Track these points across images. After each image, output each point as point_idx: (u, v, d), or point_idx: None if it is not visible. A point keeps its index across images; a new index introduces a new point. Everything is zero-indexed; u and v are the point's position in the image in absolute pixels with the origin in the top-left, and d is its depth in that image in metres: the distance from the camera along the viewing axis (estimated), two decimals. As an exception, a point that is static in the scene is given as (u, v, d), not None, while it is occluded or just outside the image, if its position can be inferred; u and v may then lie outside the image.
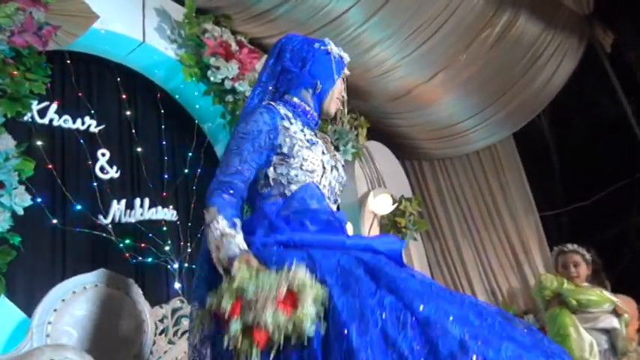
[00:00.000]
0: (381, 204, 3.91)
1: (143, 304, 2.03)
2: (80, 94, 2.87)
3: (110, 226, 2.63)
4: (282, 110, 1.59)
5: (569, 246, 2.79)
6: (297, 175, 1.52)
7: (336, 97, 1.68)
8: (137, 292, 2.04)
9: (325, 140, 1.70)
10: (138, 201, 2.91)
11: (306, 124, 1.63)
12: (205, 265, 1.48)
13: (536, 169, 5.16)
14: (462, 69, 4.19)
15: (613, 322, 2.53)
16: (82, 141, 2.82)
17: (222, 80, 3.07)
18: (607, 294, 2.66)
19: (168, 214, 3.01)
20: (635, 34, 4.79)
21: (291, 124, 1.57)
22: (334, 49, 1.67)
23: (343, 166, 1.69)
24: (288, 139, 1.54)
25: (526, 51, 4.26)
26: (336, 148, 3.97)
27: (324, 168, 1.57)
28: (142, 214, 2.90)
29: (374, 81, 4.22)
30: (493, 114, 4.68)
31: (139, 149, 3.05)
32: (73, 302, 1.83)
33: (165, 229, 2.90)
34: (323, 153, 1.60)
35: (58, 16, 2.48)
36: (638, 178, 5.17)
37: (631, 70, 4.93)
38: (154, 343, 1.99)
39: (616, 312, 2.56)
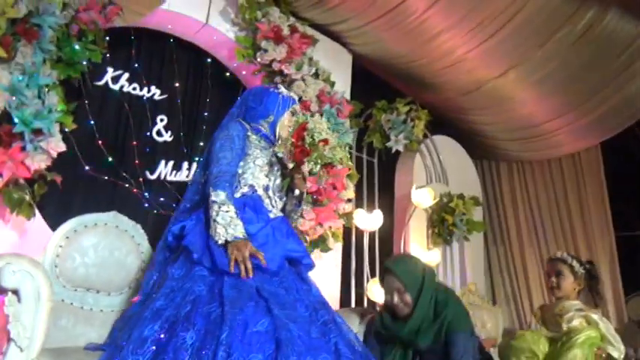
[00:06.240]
0: (421, 197, 3.86)
1: (144, 246, 2.38)
2: (149, 66, 3.30)
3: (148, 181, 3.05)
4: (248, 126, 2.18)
5: (558, 253, 2.51)
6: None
7: (286, 125, 2.17)
8: (142, 236, 2.39)
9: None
10: (185, 164, 3.30)
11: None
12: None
13: (620, 186, 4.62)
14: (538, 67, 3.93)
15: None
16: (146, 106, 3.26)
17: (270, 62, 3.31)
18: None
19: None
20: None
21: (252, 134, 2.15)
22: (284, 92, 2.22)
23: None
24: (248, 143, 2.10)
25: (618, 52, 3.84)
26: (387, 138, 4.02)
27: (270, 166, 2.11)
28: (187, 177, 3.28)
29: (440, 73, 4.15)
30: (577, 119, 4.31)
31: (200, 121, 3.42)
32: (83, 234, 2.22)
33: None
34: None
35: (127, -3, 2.90)
36: None
37: None
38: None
39: None
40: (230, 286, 1.62)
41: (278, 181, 2.11)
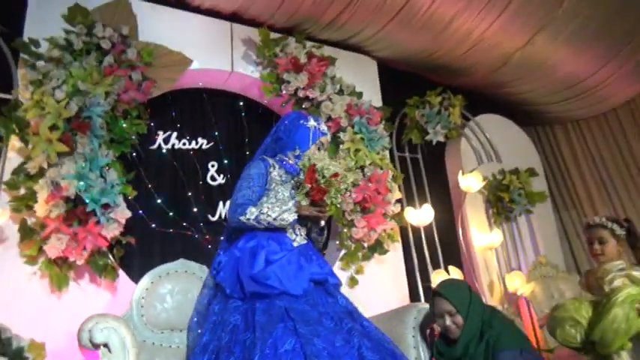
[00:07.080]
0: (469, 182, 3.89)
1: (212, 285, 2.68)
2: (191, 121, 3.66)
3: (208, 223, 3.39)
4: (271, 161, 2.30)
5: (596, 219, 2.41)
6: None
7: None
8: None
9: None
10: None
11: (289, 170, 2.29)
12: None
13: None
14: (563, 25, 3.84)
15: None
16: (196, 157, 3.62)
17: (295, 91, 3.56)
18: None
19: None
20: None
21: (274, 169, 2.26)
22: (312, 125, 2.30)
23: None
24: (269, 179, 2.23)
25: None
26: (426, 132, 4.10)
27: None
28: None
29: (465, 56, 4.19)
30: (620, 66, 4.13)
31: (244, 159, 3.72)
32: (158, 284, 2.57)
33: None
34: (292, 188, 2.23)
35: (159, 69, 3.28)
36: None
37: None
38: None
39: None
40: (261, 311, 1.86)
41: None
